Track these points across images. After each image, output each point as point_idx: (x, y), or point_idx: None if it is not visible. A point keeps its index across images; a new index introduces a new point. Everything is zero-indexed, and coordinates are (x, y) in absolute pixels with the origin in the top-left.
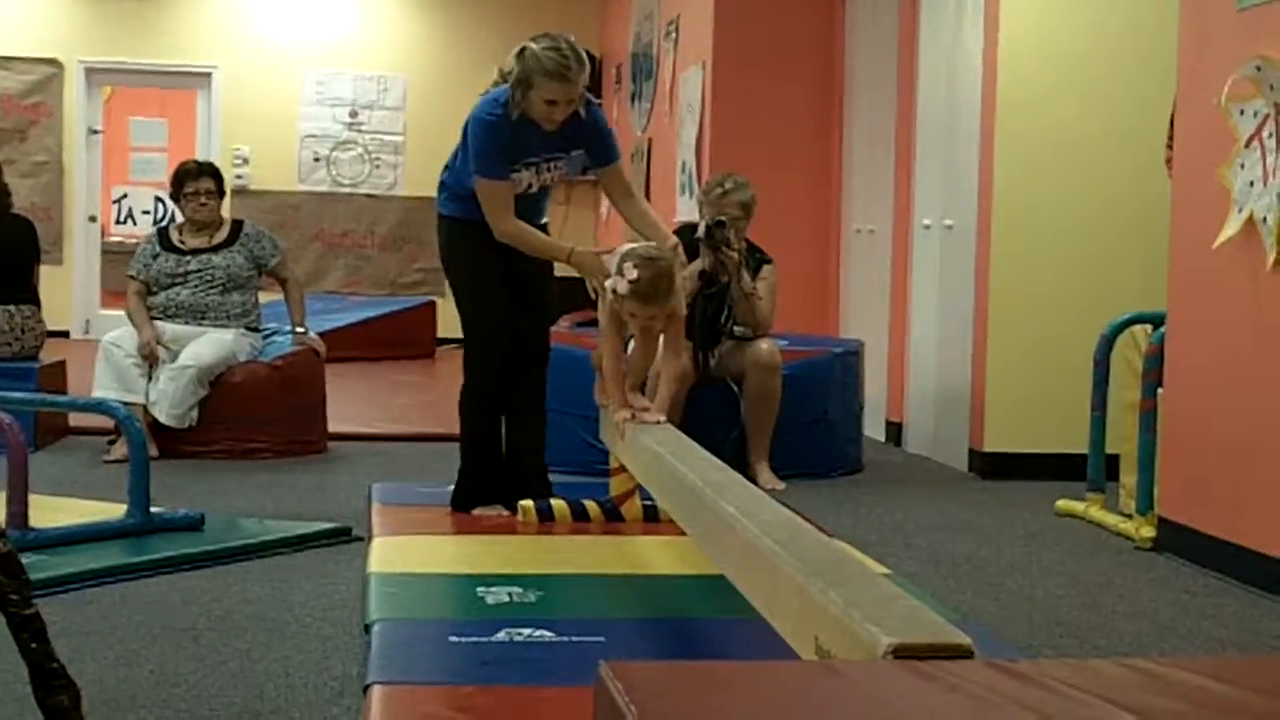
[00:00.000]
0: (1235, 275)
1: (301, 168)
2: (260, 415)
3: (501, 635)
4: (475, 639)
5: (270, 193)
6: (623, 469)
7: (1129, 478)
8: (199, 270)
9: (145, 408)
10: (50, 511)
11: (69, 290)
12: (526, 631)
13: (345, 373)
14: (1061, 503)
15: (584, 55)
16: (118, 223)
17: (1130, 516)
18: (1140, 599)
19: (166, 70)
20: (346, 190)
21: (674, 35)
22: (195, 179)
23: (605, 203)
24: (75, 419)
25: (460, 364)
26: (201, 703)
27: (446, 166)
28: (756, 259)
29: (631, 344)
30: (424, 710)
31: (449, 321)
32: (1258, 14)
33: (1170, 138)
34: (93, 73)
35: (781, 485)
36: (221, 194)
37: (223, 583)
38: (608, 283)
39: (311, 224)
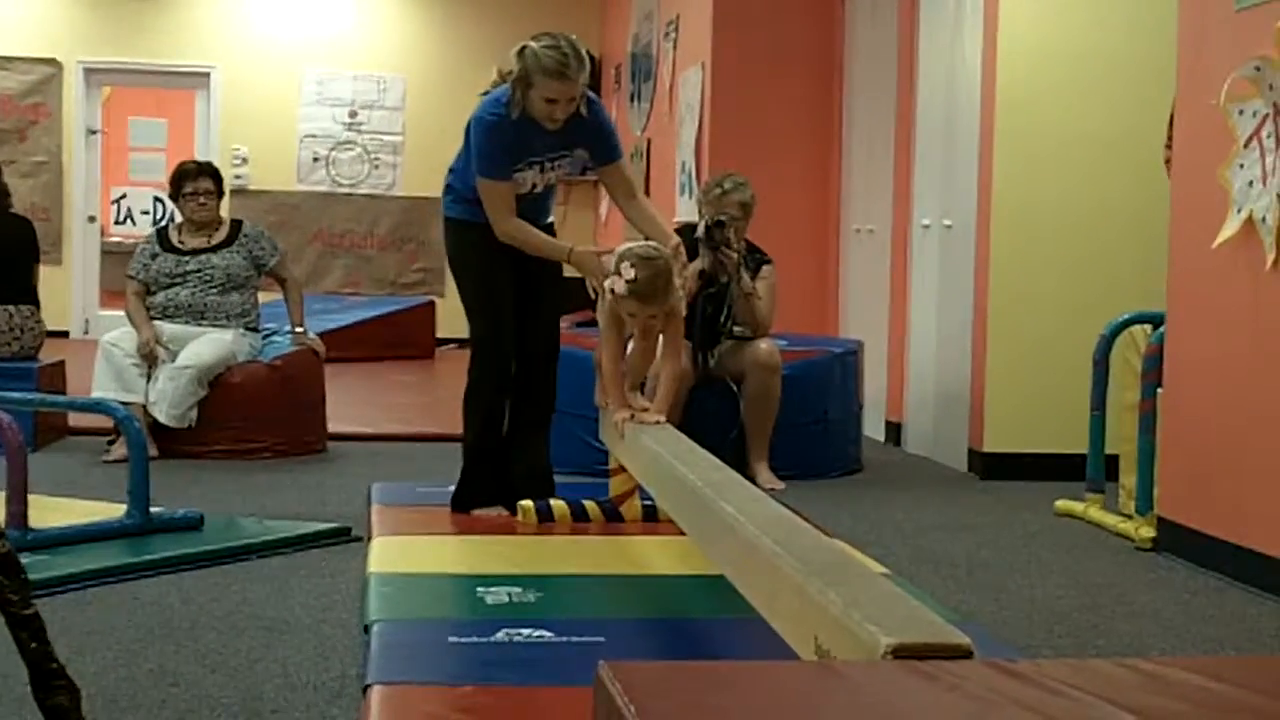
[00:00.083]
0: (1234, 275)
1: (301, 168)
2: (260, 415)
3: (501, 635)
4: (475, 639)
5: (269, 193)
6: (622, 469)
7: (1128, 478)
8: (198, 270)
9: (144, 408)
10: (49, 511)
11: (68, 290)
12: (526, 631)
13: (345, 373)
14: (1061, 503)
15: (584, 53)
16: (117, 223)
17: (1130, 517)
18: (1140, 599)
19: (166, 70)
20: (346, 190)
21: (673, 35)
22: (194, 179)
23: (605, 203)
24: (75, 419)
25: (460, 364)
26: (201, 702)
27: (451, 169)
28: (756, 259)
29: (631, 344)
30: (423, 710)
31: (448, 321)
32: (1256, 14)
33: (1169, 138)
34: (92, 73)
35: (781, 485)
36: (221, 194)
37: (222, 583)
38: (606, 283)
39: (311, 224)
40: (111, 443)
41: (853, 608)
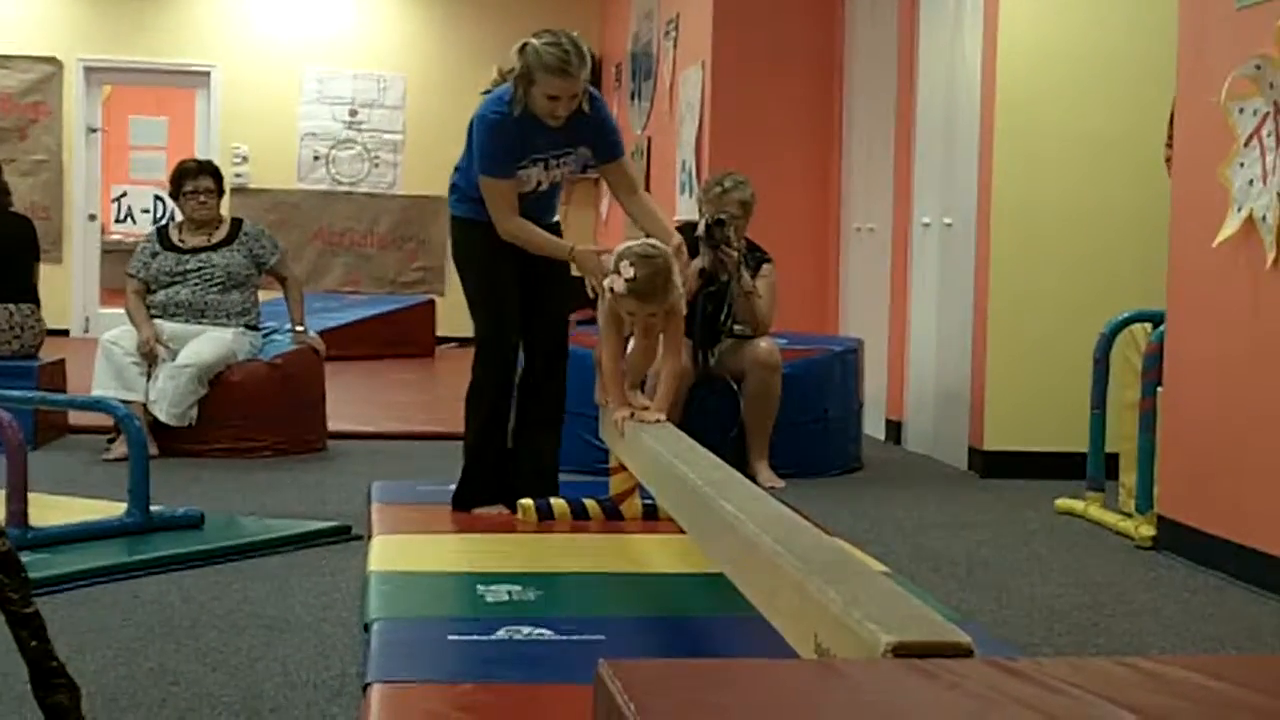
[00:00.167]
0: (1235, 274)
1: (301, 166)
2: (260, 414)
3: (501, 633)
4: (475, 637)
5: (269, 191)
6: (622, 468)
7: (1128, 476)
8: (198, 269)
9: (145, 406)
10: (50, 510)
11: (68, 289)
12: (526, 630)
13: (345, 371)
14: (1061, 501)
15: (585, 50)
16: (117, 221)
17: (1130, 515)
18: (1140, 597)
19: (166, 69)
20: (346, 189)
21: (673, 34)
22: (194, 178)
23: (605, 201)
24: (75, 417)
25: (460, 363)
26: (201, 701)
27: (457, 168)
28: (756, 257)
29: (631, 342)
30: (423, 708)
31: (448, 320)
32: (1257, 13)
33: (1170, 136)
34: (92, 71)
35: (781, 484)
36: (221, 193)
37: (222, 581)
38: (605, 281)
39: (311, 222)
40: (112, 441)
41: (853, 606)
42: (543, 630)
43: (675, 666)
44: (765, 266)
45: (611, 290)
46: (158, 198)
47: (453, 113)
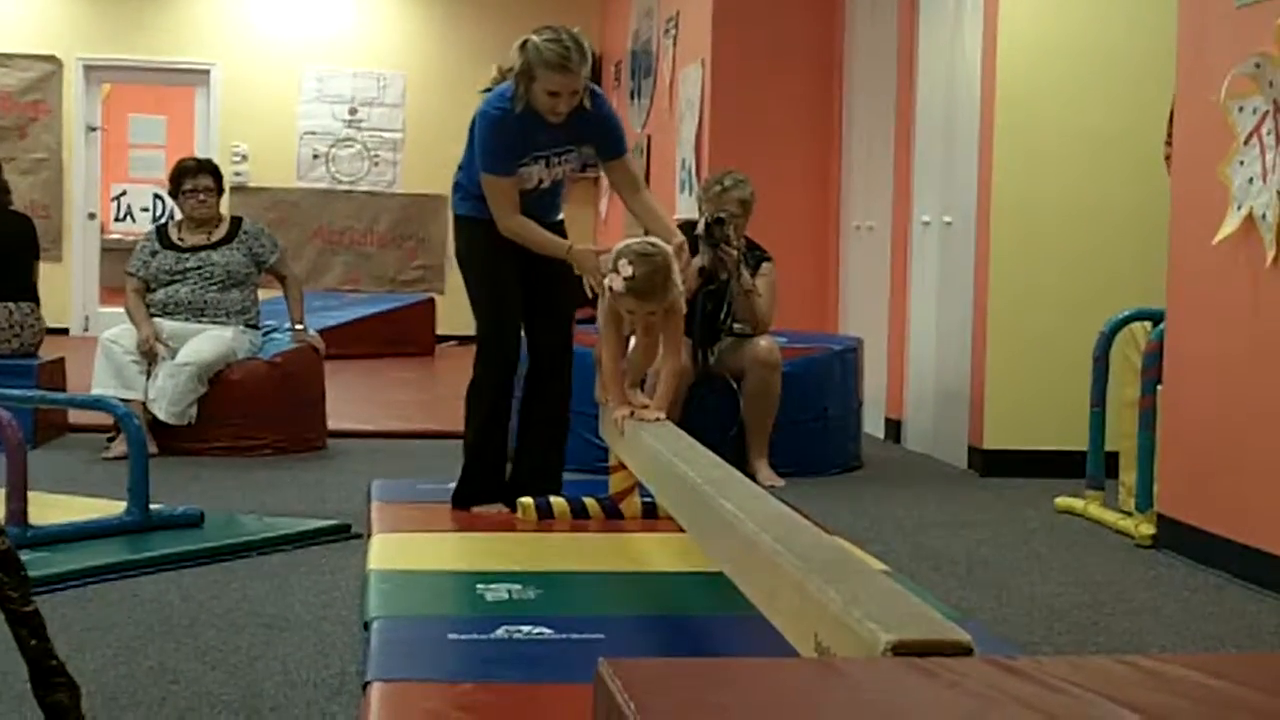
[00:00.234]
0: (1234, 272)
1: (300, 165)
2: (259, 412)
3: (501, 632)
4: (474, 636)
5: (269, 190)
6: (622, 466)
7: (1128, 475)
8: (198, 267)
9: (144, 405)
10: (49, 508)
11: (68, 287)
12: (526, 628)
13: (344, 370)
14: (1061, 500)
15: (586, 46)
16: (117, 220)
17: (1130, 513)
18: (1139, 596)
19: (165, 67)
20: (345, 187)
21: (673, 32)
22: (194, 176)
23: (604, 200)
24: (74, 416)
25: (460, 361)
26: (201, 700)
27: (460, 166)
28: (756, 256)
29: (631, 341)
30: (423, 707)
31: (448, 318)
32: (1257, 11)
33: (1169, 135)
34: (92, 70)
35: (781, 482)
36: (220, 191)
37: (222, 580)
38: (605, 280)
39: (311, 221)
40: (111, 440)
41: (853, 605)
42: (542, 629)
43: (675, 665)
44: (765, 265)
45: (611, 289)
46: (157, 196)
47: (452, 111)
